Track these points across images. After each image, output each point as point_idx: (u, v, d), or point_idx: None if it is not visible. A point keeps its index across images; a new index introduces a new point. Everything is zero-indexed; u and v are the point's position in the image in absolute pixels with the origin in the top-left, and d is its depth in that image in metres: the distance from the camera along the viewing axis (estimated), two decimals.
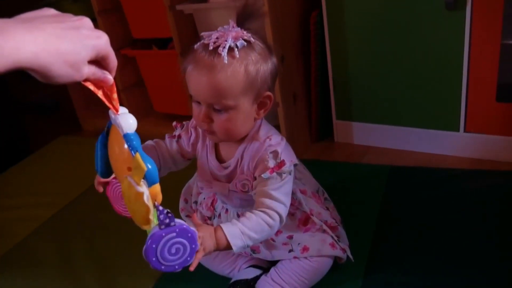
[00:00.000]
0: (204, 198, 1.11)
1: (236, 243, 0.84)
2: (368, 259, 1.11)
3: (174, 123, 1.06)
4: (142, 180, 0.62)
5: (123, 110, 0.66)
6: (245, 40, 0.85)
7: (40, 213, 1.55)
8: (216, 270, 1.13)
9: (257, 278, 1.06)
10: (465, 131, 1.44)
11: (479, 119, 1.41)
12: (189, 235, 0.69)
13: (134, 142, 0.63)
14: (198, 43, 0.87)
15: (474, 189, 1.29)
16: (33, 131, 2.24)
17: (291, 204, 1.04)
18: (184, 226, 0.69)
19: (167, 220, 0.67)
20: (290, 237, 1.03)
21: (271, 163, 0.90)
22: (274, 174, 0.90)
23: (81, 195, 1.61)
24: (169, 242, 0.69)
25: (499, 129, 1.39)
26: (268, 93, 0.91)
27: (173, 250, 0.70)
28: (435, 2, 1.30)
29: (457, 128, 1.45)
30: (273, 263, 1.07)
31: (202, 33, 0.88)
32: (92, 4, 1.87)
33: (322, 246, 1.02)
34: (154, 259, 0.69)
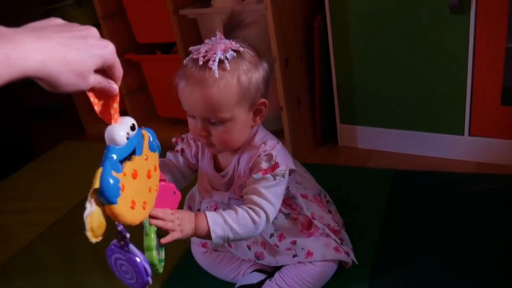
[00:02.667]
0: (207, 207, 1.11)
1: (216, 230, 0.83)
2: (373, 262, 1.10)
3: (173, 139, 1.07)
4: (95, 197, 0.61)
5: (126, 120, 0.65)
6: (234, 50, 0.85)
7: (45, 217, 1.56)
8: (221, 275, 1.13)
9: (261, 282, 1.05)
10: (469, 134, 1.44)
11: (483, 123, 1.40)
12: (136, 268, 0.67)
13: (111, 155, 0.61)
14: (187, 58, 0.87)
15: (478, 192, 1.28)
16: (37, 135, 2.24)
17: (293, 209, 1.03)
18: (133, 259, 0.67)
19: (122, 243, 0.67)
20: (294, 242, 1.02)
21: (264, 165, 0.90)
22: (267, 175, 0.89)
23: (85, 199, 1.61)
24: (118, 260, 0.68)
25: (504, 132, 1.38)
26: (263, 99, 0.91)
27: (123, 268, 0.69)
28: (439, 6, 1.30)
29: (461, 132, 1.44)
30: (278, 267, 1.06)
31: (190, 48, 0.87)
32: (96, 9, 1.87)
33: (326, 250, 1.02)
34: (109, 262, 0.70)
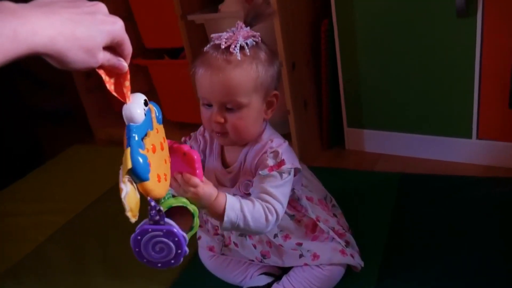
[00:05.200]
0: None
1: (230, 214, 0.82)
2: (380, 266, 1.10)
3: (183, 139, 1.07)
4: (128, 176, 0.61)
5: (138, 97, 0.66)
6: (254, 40, 0.88)
7: (55, 219, 1.57)
8: (228, 279, 1.13)
9: (269, 285, 1.06)
10: (477, 138, 1.43)
11: (491, 126, 1.40)
12: (176, 239, 0.67)
13: (133, 134, 0.62)
14: (208, 45, 0.90)
15: (486, 196, 1.28)
16: (46, 139, 2.26)
17: (298, 211, 1.04)
18: (173, 229, 0.67)
19: (157, 218, 0.66)
20: (299, 244, 1.02)
21: (271, 162, 0.91)
22: (274, 172, 0.90)
23: (94, 201, 1.63)
24: (154, 239, 0.68)
25: None
26: (275, 91, 0.94)
27: (157, 248, 0.68)
28: (446, 9, 1.30)
29: (469, 135, 1.44)
30: (285, 271, 1.07)
31: (212, 35, 0.90)
32: None
33: (332, 254, 1.02)
34: (137, 250, 0.69)
